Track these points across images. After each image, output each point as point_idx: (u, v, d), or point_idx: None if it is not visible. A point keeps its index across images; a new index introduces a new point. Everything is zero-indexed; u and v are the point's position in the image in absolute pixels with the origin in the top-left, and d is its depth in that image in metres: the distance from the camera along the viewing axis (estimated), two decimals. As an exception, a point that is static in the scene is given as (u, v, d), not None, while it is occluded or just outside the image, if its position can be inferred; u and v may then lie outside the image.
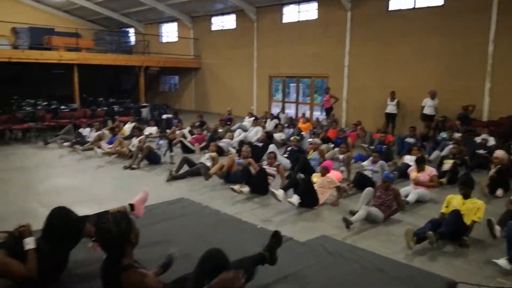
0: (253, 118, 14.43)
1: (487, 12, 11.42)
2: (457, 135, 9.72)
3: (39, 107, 13.83)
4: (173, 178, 7.61)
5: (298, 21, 16.53)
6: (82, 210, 3.63)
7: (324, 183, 6.38)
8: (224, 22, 19.76)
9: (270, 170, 7.03)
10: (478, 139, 10.03)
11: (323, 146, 8.98)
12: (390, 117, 13.09)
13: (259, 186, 6.74)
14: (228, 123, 14.21)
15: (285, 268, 3.00)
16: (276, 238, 2.86)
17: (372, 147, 10.19)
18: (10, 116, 11.60)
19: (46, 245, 2.89)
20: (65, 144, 10.48)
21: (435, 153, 9.12)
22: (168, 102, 20.41)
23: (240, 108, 17.01)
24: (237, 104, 17.54)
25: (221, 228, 3.21)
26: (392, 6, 13.62)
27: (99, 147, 9.80)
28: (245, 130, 12.92)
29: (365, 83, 14.29)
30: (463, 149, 8.67)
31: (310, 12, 16.10)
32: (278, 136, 11.07)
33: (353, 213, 5.47)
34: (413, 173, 6.74)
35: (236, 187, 6.47)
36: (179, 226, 3.88)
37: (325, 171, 6.54)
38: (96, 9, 22.02)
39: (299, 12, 16.50)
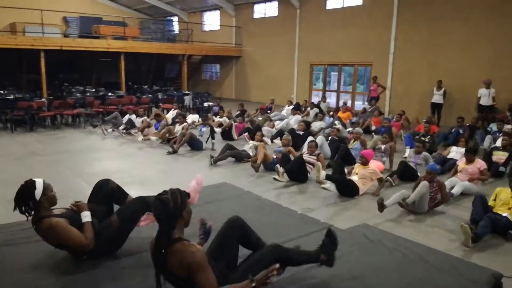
0: (291, 106, 14.40)
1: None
2: (508, 127, 9.25)
3: (88, 94, 14.42)
4: (215, 161, 7.75)
5: (342, 7, 16.18)
6: (129, 191, 3.80)
7: (366, 174, 6.29)
8: (267, 10, 19.69)
9: (310, 158, 7.01)
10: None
11: (375, 138, 8.80)
12: (436, 107, 12.63)
13: (296, 173, 6.76)
14: (268, 111, 14.26)
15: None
16: (331, 237, 2.85)
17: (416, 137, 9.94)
18: (62, 101, 12.17)
19: (117, 221, 3.10)
20: (110, 129, 10.93)
21: (487, 139, 8.76)
22: (209, 90, 20.70)
23: (280, 96, 16.97)
24: (278, 93, 17.51)
25: (262, 212, 3.27)
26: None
27: (146, 133, 10.17)
28: (283, 118, 12.91)
29: (411, 71, 13.84)
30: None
31: (355, -2, 15.72)
32: (318, 124, 10.98)
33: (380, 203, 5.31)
34: (461, 163, 6.51)
35: (276, 176, 6.52)
36: (221, 209, 3.98)
37: (364, 160, 6.43)
38: (141, -2, 22.56)
39: (343, -2, 16.15)
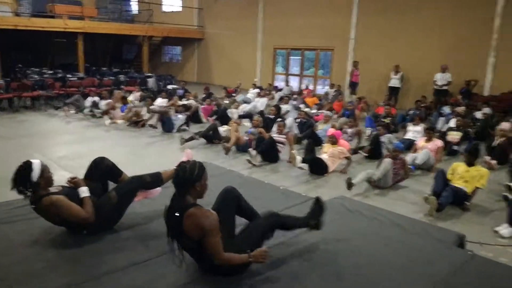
0: (257, 90, 14.62)
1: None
2: (460, 108, 9.96)
3: (45, 76, 13.91)
4: (185, 140, 7.85)
5: (305, -9, 16.47)
6: None
7: (335, 153, 6.66)
8: (229, -8, 19.62)
9: (280, 138, 7.30)
10: (478, 113, 10.31)
11: (342, 120, 9.21)
12: (394, 91, 13.29)
13: (269, 153, 7.04)
14: (233, 94, 14.41)
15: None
16: (319, 204, 3.14)
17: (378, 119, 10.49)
18: (21, 83, 11.71)
19: (115, 197, 3.22)
20: (71, 111, 10.71)
21: (441, 120, 9.40)
22: (170, 73, 20.45)
23: (243, 80, 17.07)
24: (241, 76, 17.61)
25: (246, 188, 3.48)
26: (400, -22, 13.61)
27: (112, 116, 10.06)
28: (248, 102, 13.13)
29: (370, 57, 14.41)
30: (467, 121, 8.93)
31: (317, -17, 16.01)
32: (285, 108, 11.27)
33: (349, 183, 5.70)
34: (421, 142, 7.04)
35: (253, 152, 6.76)
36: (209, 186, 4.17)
37: (333, 140, 6.80)
38: (98, -23, 21.72)
39: (305, -17, 16.39)
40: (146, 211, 3.62)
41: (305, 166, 6.27)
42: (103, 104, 10.92)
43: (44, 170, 3.03)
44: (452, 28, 12.48)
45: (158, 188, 3.72)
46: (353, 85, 14.11)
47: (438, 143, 6.96)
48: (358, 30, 14.83)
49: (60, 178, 3.36)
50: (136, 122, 9.76)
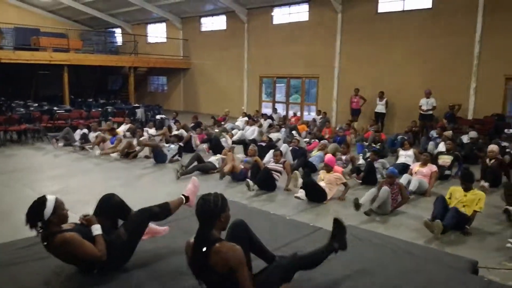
0: (246, 118, 14.74)
1: (473, 14, 12.02)
2: (447, 132, 10.19)
3: (31, 108, 13.74)
4: (181, 174, 7.81)
5: (289, 22, 16.89)
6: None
7: (332, 179, 6.68)
8: (214, 23, 19.97)
9: (276, 166, 7.30)
10: (465, 137, 10.55)
11: (332, 145, 9.30)
12: (379, 116, 13.56)
13: (264, 183, 7.03)
14: (222, 123, 14.49)
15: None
16: (338, 224, 3.14)
17: (366, 143, 10.65)
18: (7, 117, 11.52)
19: (125, 234, 3.13)
20: (60, 144, 10.57)
21: (430, 144, 9.57)
22: (156, 103, 20.44)
23: (231, 108, 17.19)
24: (228, 104, 17.75)
25: (252, 219, 3.44)
26: (382, 9, 14.11)
27: (102, 148, 9.95)
28: (237, 130, 13.21)
29: (355, 84, 14.65)
30: (455, 145, 9.13)
31: (300, 14, 16.48)
32: (275, 136, 11.35)
33: (356, 203, 5.77)
34: (416, 166, 7.16)
35: (251, 182, 6.75)
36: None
37: (328, 168, 6.84)
38: (83, 10, 21.95)
39: (289, 13, 16.86)
40: (155, 247, 3.55)
41: (303, 195, 6.24)
42: (92, 136, 10.82)
43: (58, 207, 2.96)
44: (435, 54, 12.92)
45: (166, 227, 3.68)
46: (353, 112, 14.20)
47: (433, 168, 7.08)
48: (342, 58, 15.20)
49: None
50: (127, 154, 9.66)
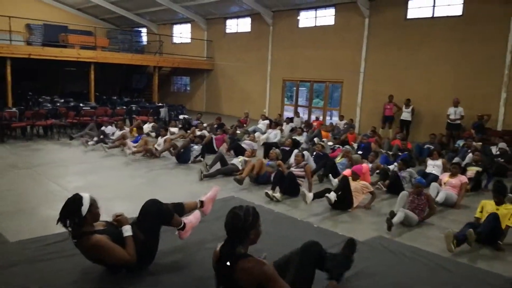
0: (267, 120, 14.68)
1: (505, 22, 11.66)
2: (476, 143, 9.90)
3: (58, 104, 13.98)
4: (205, 176, 7.80)
5: (314, 26, 16.76)
6: (119, 206, 3.82)
7: (358, 187, 6.55)
8: (239, 25, 19.99)
9: (298, 171, 7.20)
10: (493, 148, 10.24)
11: (356, 157, 9.16)
12: (405, 124, 13.32)
13: (289, 188, 6.94)
14: (244, 125, 14.47)
15: (354, 265, 3.17)
16: (351, 245, 3.03)
17: (391, 153, 10.44)
18: (35, 112, 11.74)
19: (140, 234, 3.10)
20: (90, 142, 10.63)
21: (456, 160, 9.30)
22: (179, 103, 20.58)
23: (252, 110, 17.19)
24: (250, 107, 17.73)
25: (280, 226, 3.39)
26: (411, 15, 13.86)
27: (125, 145, 10.00)
28: (259, 132, 13.17)
29: (380, 90, 14.47)
30: (484, 157, 8.86)
31: (327, 17, 16.34)
32: (298, 139, 11.25)
33: (391, 215, 5.66)
34: (445, 177, 6.96)
35: (270, 192, 6.66)
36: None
37: (356, 176, 6.72)
38: (110, 8, 22.25)
39: (315, 17, 16.73)
40: (185, 247, 3.50)
41: (332, 196, 6.07)
42: (118, 134, 10.91)
43: (93, 205, 2.96)
44: (464, 62, 12.59)
45: (210, 206, 3.64)
46: (386, 119, 13.93)
47: (463, 179, 6.87)
48: (368, 63, 14.99)
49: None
50: (151, 153, 9.70)
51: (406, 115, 13.30)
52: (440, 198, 6.46)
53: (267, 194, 6.63)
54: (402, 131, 12.91)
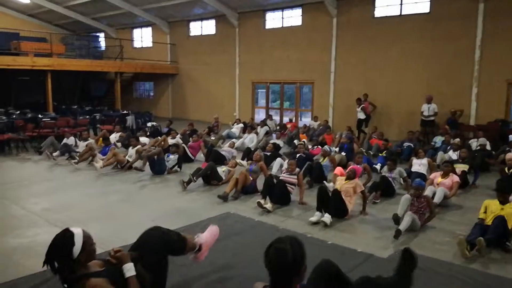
0: (241, 124, 14.27)
1: (473, 19, 11.83)
2: (456, 140, 9.89)
3: (14, 116, 12.89)
4: (187, 184, 7.28)
5: (282, 27, 16.48)
6: (95, 229, 3.33)
7: (349, 189, 6.16)
8: (203, 28, 19.42)
9: (291, 178, 6.80)
10: (473, 143, 10.29)
11: (337, 156, 8.90)
12: (360, 123, 13.28)
13: (280, 197, 6.53)
14: (215, 129, 14.03)
15: None
16: (408, 258, 2.64)
17: (370, 152, 10.28)
18: (-13, 126, 10.72)
19: (145, 272, 2.59)
20: (54, 154, 9.80)
21: (439, 155, 9.23)
22: (142, 109, 19.71)
23: (221, 115, 16.65)
24: (219, 111, 17.17)
25: None
26: (378, 13, 13.85)
27: (94, 157, 9.26)
28: (233, 137, 12.75)
29: (351, 89, 14.35)
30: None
31: (294, 18, 16.10)
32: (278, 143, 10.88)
33: (395, 219, 5.36)
34: (437, 178, 6.77)
35: (262, 201, 6.23)
36: (244, 246, 3.61)
37: (352, 176, 6.34)
38: (65, 13, 21.11)
39: (282, 18, 16.45)
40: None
41: (328, 220, 5.64)
42: (82, 145, 10.13)
43: (87, 242, 2.41)
44: (434, 59, 12.68)
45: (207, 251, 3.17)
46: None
47: (455, 178, 6.72)
48: (338, 63, 14.86)
49: (51, 236, 2.58)
50: (123, 165, 9.01)
51: (359, 114, 13.29)
52: (438, 198, 6.25)
53: (259, 203, 6.17)
54: (358, 130, 12.93)
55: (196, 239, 3.22)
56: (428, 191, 6.32)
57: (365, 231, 5.43)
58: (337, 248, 3.85)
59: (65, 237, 2.37)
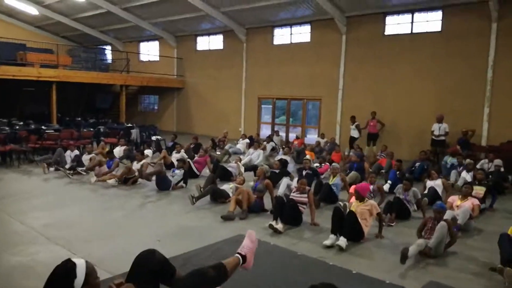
0: (246, 140, 14.05)
1: (485, 38, 11.66)
2: (469, 161, 9.61)
3: (17, 127, 12.70)
4: (197, 199, 7.06)
5: (290, 43, 16.37)
6: (99, 249, 3.05)
7: (364, 211, 5.87)
8: (211, 42, 19.36)
9: (301, 198, 6.52)
10: (484, 164, 10.00)
11: (352, 174, 8.63)
12: (353, 141, 13.29)
13: (291, 217, 6.25)
14: (222, 143, 13.85)
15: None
16: None
17: (383, 171, 10.01)
18: (-10, 137, 10.52)
19: None
20: (52, 168, 9.60)
21: (453, 174, 8.94)
22: (147, 123, 19.54)
23: (227, 129, 16.43)
24: (224, 126, 16.99)
25: (311, 274, 2.69)
26: (389, 31, 13.72)
27: (97, 173, 9.03)
28: (238, 153, 12.56)
29: (360, 106, 14.13)
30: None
31: (302, 34, 16.00)
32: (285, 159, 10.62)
33: (404, 256, 5.00)
34: (456, 201, 6.48)
35: (273, 222, 5.94)
36: (263, 273, 3.31)
37: (360, 196, 6.05)
38: (74, 26, 21.16)
39: (291, 34, 16.37)
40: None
41: (343, 243, 5.33)
42: (86, 159, 9.91)
43: (90, 274, 2.15)
44: (446, 78, 12.49)
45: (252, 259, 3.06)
46: (370, 137, 13.40)
47: (474, 201, 6.42)
48: (346, 79, 14.69)
49: (52, 254, 2.32)
50: (125, 179, 8.76)
51: (352, 132, 13.23)
52: (462, 219, 5.94)
53: (271, 226, 5.89)
54: (351, 148, 12.81)
55: (239, 250, 3.11)
56: (447, 215, 6.01)
57: (384, 256, 5.11)
58: (364, 279, 3.54)
59: (67, 268, 2.11)
